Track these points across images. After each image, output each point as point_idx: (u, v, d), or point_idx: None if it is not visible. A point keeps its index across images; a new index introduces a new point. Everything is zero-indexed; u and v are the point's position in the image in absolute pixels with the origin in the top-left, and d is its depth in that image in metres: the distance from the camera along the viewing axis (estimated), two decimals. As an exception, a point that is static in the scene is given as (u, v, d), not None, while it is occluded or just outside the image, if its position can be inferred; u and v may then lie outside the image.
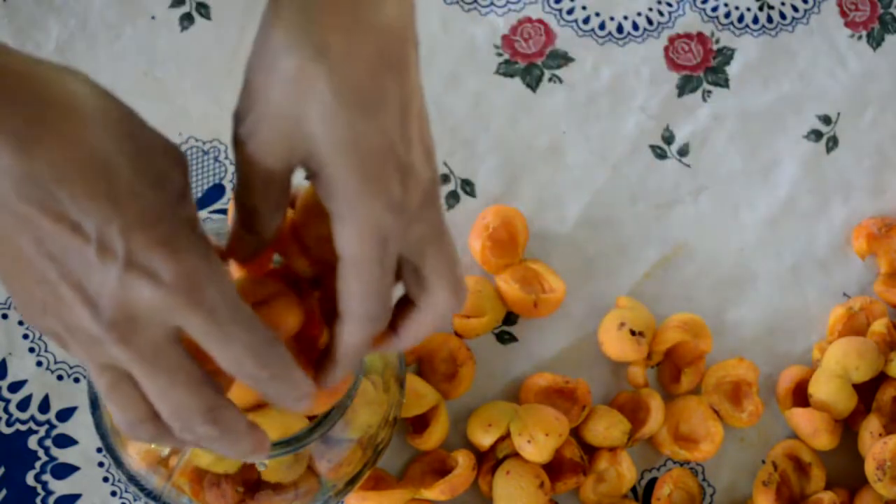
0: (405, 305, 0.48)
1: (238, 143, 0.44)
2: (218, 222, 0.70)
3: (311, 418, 0.57)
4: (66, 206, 0.39)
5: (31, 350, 0.69)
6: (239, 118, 0.44)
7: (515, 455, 0.67)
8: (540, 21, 0.77)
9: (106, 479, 0.68)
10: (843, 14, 0.80)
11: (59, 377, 0.69)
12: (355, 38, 0.43)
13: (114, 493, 0.68)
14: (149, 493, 0.58)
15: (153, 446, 0.58)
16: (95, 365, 0.43)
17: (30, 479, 0.68)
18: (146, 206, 0.40)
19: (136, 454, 0.58)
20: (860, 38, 0.79)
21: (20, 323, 0.70)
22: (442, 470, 0.68)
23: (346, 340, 0.46)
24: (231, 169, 0.73)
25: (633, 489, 0.71)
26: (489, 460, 0.68)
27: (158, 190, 0.41)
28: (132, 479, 0.58)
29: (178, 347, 0.42)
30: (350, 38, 0.43)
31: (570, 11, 0.78)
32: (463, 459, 0.66)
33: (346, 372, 0.48)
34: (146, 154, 0.41)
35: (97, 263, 0.39)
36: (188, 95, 0.73)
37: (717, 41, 0.78)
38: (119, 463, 0.58)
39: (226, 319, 0.41)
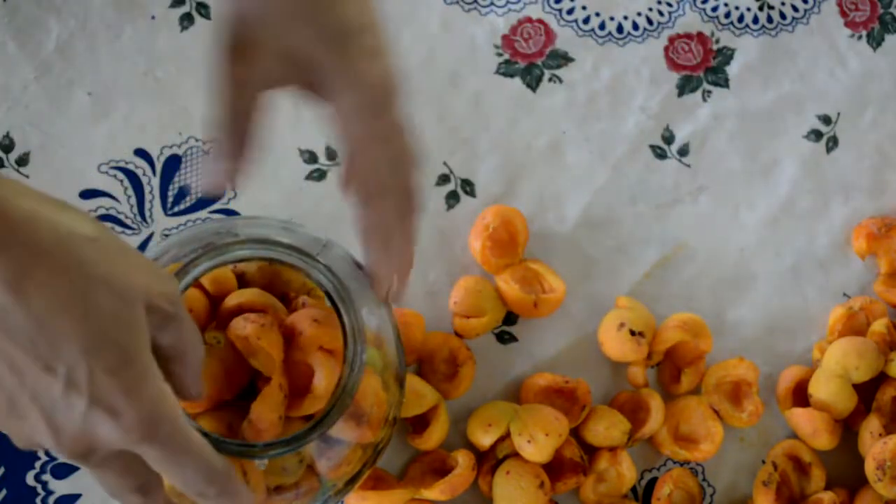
0: None
1: (227, 60, 0.52)
2: (217, 222, 0.70)
3: (308, 418, 0.57)
4: (41, 347, 0.42)
5: (31, 350, 0.69)
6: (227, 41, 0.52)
7: (515, 455, 0.67)
8: (540, 21, 0.77)
9: (106, 479, 0.68)
10: (843, 14, 0.80)
11: (59, 377, 0.69)
12: None
13: (114, 493, 0.68)
14: None
15: None
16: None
17: (30, 479, 0.68)
18: (116, 354, 0.43)
19: None
20: (860, 38, 0.79)
21: (20, 323, 0.70)
22: (442, 470, 0.68)
23: (381, 219, 0.55)
24: (231, 169, 0.73)
25: (633, 489, 0.71)
26: (489, 460, 0.68)
27: (131, 335, 0.44)
28: None
29: (123, 457, 0.47)
30: None
31: (570, 11, 0.78)
32: (463, 459, 0.66)
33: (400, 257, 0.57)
34: (128, 300, 0.44)
35: (63, 399, 0.43)
36: (188, 95, 0.73)
37: (717, 41, 0.78)
38: None
39: (177, 450, 0.46)
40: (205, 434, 0.53)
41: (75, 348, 0.43)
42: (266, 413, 0.55)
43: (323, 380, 0.56)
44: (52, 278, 0.42)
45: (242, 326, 0.56)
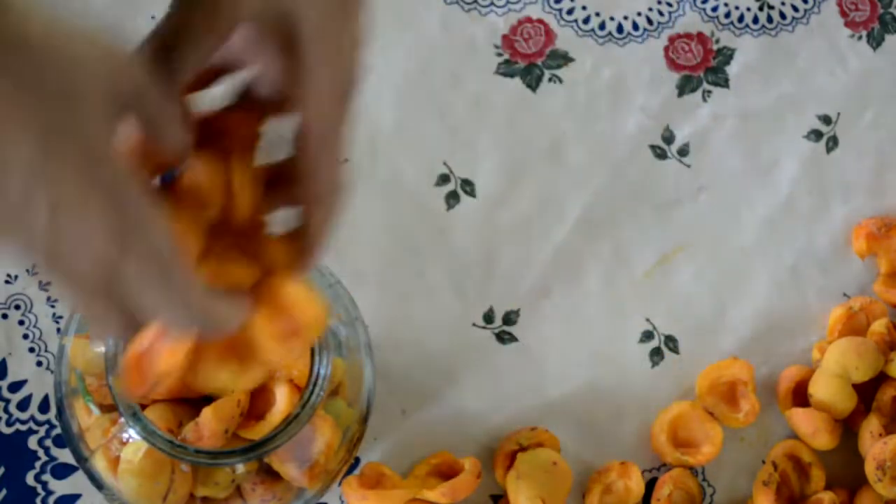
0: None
1: None
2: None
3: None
4: None
5: (31, 350, 0.69)
6: None
7: (536, 446, 0.67)
8: (540, 21, 0.77)
9: (106, 479, 0.68)
10: (843, 14, 0.80)
11: (59, 377, 0.69)
12: None
13: (114, 493, 0.68)
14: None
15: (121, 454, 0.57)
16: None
17: (30, 479, 0.68)
18: (78, 145, 0.38)
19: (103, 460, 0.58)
20: (860, 38, 0.79)
21: (20, 323, 0.70)
22: (448, 473, 0.68)
23: (326, 218, 0.46)
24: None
25: (633, 489, 0.71)
26: (509, 447, 0.68)
27: (93, 125, 0.38)
28: (98, 483, 0.58)
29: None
30: None
31: (570, 11, 0.78)
32: (469, 465, 0.66)
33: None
34: (87, 90, 0.38)
35: (24, 196, 0.38)
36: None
37: (717, 41, 0.78)
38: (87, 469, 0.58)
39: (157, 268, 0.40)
40: (141, 422, 0.53)
41: (31, 135, 0.37)
42: (214, 421, 0.55)
43: (280, 410, 0.56)
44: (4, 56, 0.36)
45: None
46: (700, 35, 0.78)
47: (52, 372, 0.69)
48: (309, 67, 0.44)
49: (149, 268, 0.40)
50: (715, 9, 0.79)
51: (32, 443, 0.68)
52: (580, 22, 0.78)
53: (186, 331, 0.43)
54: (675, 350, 0.73)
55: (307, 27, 0.43)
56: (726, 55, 0.78)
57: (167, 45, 0.43)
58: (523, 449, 0.68)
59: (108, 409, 0.57)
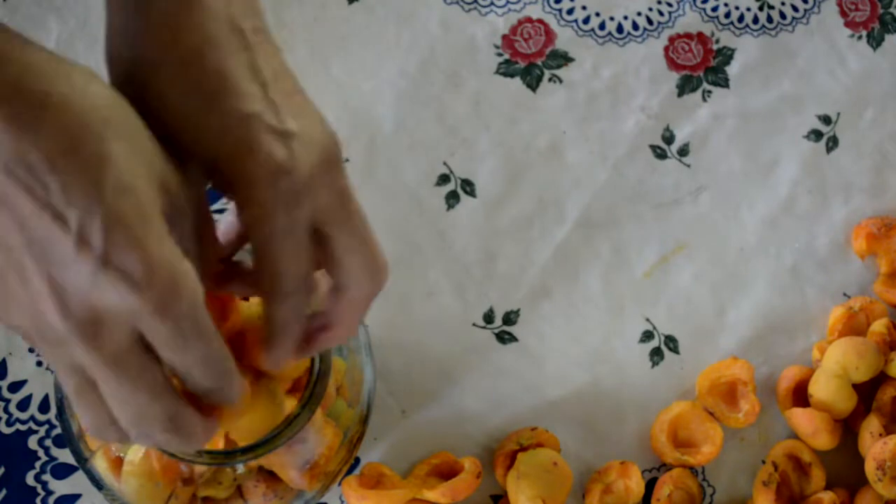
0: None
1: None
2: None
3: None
4: (52, 193, 0.38)
5: (31, 350, 0.69)
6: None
7: (536, 446, 0.67)
8: (540, 21, 0.77)
9: (106, 479, 0.68)
10: (843, 14, 0.80)
11: (59, 377, 0.69)
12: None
13: (114, 493, 0.68)
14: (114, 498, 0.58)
15: (119, 453, 0.57)
16: (62, 367, 0.42)
17: (30, 479, 0.68)
18: (134, 207, 0.39)
19: (103, 460, 0.58)
20: (860, 38, 0.79)
21: (20, 323, 0.70)
22: (448, 473, 0.68)
23: (277, 318, 0.46)
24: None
25: (633, 489, 0.71)
26: (509, 447, 0.68)
27: (149, 195, 0.39)
28: (98, 483, 0.58)
29: (141, 353, 0.41)
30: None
31: (570, 11, 0.78)
32: (469, 465, 0.66)
33: (289, 353, 0.47)
34: (146, 164, 0.40)
35: (73, 256, 0.38)
36: (188, 95, 0.73)
37: (717, 41, 0.78)
38: (86, 469, 0.58)
39: (191, 332, 0.41)
40: None
41: (90, 195, 0.38)
42: None
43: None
44: (66, 120, 0.38)
45: None
46: (700, 35, 0.78)
47: (52, 372, 0.69)
48: (343, 252, 0.46)
49: (183, 325, 0.40)
50: (715, 9, 0.79)
51: (32, 443, 0.68)
52: (580, 22, 0.78)
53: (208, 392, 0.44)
54: (675, 350, 0.73)
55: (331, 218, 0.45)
56: (726, 55, 0.78)
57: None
58: (523, 449, 0.68)
59: None
